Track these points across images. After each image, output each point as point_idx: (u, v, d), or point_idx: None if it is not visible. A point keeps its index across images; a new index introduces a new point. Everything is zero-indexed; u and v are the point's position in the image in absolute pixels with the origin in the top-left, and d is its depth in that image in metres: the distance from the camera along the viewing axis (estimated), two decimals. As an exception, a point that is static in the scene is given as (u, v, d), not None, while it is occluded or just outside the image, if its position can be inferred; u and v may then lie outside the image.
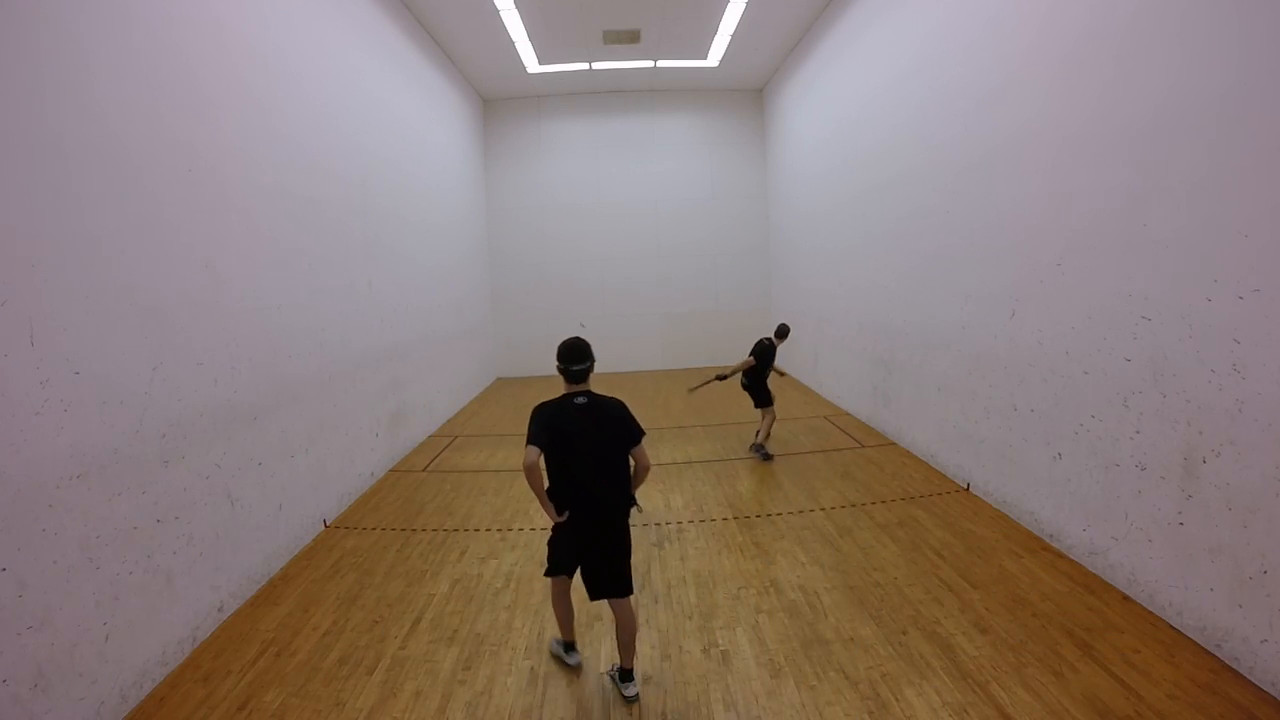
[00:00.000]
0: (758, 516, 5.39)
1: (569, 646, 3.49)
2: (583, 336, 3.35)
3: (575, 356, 3.20)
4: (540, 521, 5.40)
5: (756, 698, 3.14)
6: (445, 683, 3.35)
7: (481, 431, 8.84)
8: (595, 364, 3.31)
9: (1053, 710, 2.93)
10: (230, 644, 3.78)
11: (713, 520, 5.36)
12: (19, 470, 2.75)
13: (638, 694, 3.20)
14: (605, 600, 3.22)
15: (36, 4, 2.99)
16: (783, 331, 7.29)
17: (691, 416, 9.06)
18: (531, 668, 3.45)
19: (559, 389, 3.27)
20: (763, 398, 7.18)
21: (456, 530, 5.36)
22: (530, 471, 2.96)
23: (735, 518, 5.39)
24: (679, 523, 5.34)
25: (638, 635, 3.44)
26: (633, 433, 3.21)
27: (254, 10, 4.90)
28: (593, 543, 3.16)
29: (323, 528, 5.46)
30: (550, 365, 3.70)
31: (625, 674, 3.23)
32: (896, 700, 3.06)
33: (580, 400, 3.19)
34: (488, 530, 5.34)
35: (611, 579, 3.18)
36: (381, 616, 4.02)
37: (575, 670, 3.45)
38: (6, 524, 2.68)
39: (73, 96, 3.15)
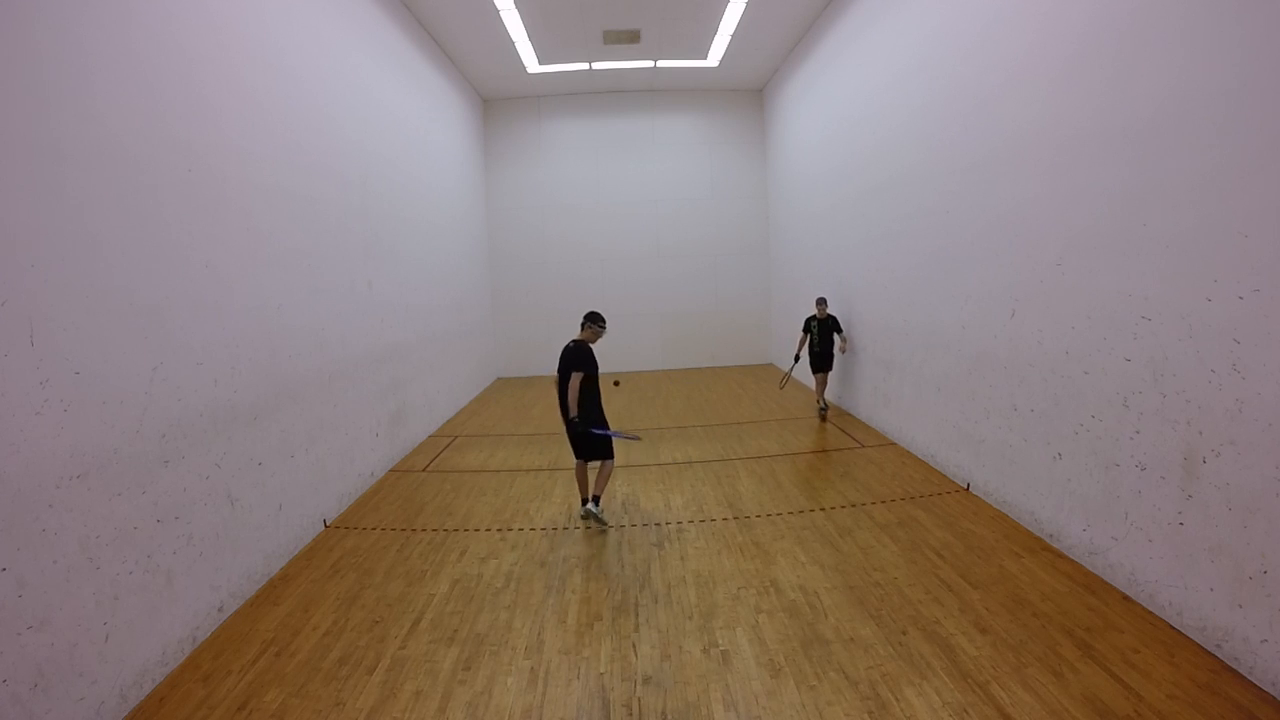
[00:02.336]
0: (758, 516, 5.39)
1: (583, 500, 5.35)
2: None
3: (586, 315, 5.52)
4: (539, 522, 5.49)
5: (756, 698, 3.14)
6: (445, 683, 3.35)
7: (481, 431, 8.84)
8: (599, 327, 5.49)
9: (1053, 710, 2.93)
10: (230, 644, 3.78)
11: (713, 520, 5.36)
12: (19, 470, 2.75)
13: (599, 512, 5.24)
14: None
15: (36, 4, 2.99)
16: (820, 300, 8.63)
17: (692, 416, 9.07)
18: (531, 668, 3.45)
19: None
20: (814, 364, 8.72)
21: (456, 530, 5.36)
22: (556, 388, 5.44)
23: (735, 518, 5.39)
24: (679, 523, 5.34)
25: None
26: (576, 367, 5.19)
27: (254, 10, 4.90)
28: (571, 429, 5.33)
29: (323, 528, 5.46)
30: (551, 365, 5.68)
31: (594, 499, 5.27)
32: (896, 700, 3.06)
33: (569, 345, 5.35)
34: (488, 530, 5.34)
35: (587, 451, 5.36)
36: (381, 616, 4.03)
37: (584, 521, 5.32)
38: (6, 524, 2.68)
39: (73, 97, 3.15)
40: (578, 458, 5.42)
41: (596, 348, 5.42)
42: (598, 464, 5.40)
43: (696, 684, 3.26)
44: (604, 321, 5.51)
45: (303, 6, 5.71)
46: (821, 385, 8.68)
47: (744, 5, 9.09)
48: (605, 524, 5.27)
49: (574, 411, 5.17)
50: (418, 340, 8.41)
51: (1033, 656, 3.32)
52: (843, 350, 8.60)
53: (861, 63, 8.06)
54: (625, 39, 10.15)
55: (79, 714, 2.93)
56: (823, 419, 8.53)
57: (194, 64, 4.13)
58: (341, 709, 3.16)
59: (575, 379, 5.14)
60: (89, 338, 3.15)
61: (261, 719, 3.12)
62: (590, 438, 5.27)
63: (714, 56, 11.15)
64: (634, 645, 3.62)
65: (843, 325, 8.59)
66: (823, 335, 8.43)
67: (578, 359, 5.19)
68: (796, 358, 8.67)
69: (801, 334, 8.63)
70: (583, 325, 5.49)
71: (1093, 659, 3.27)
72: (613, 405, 10.00)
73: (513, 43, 10.06)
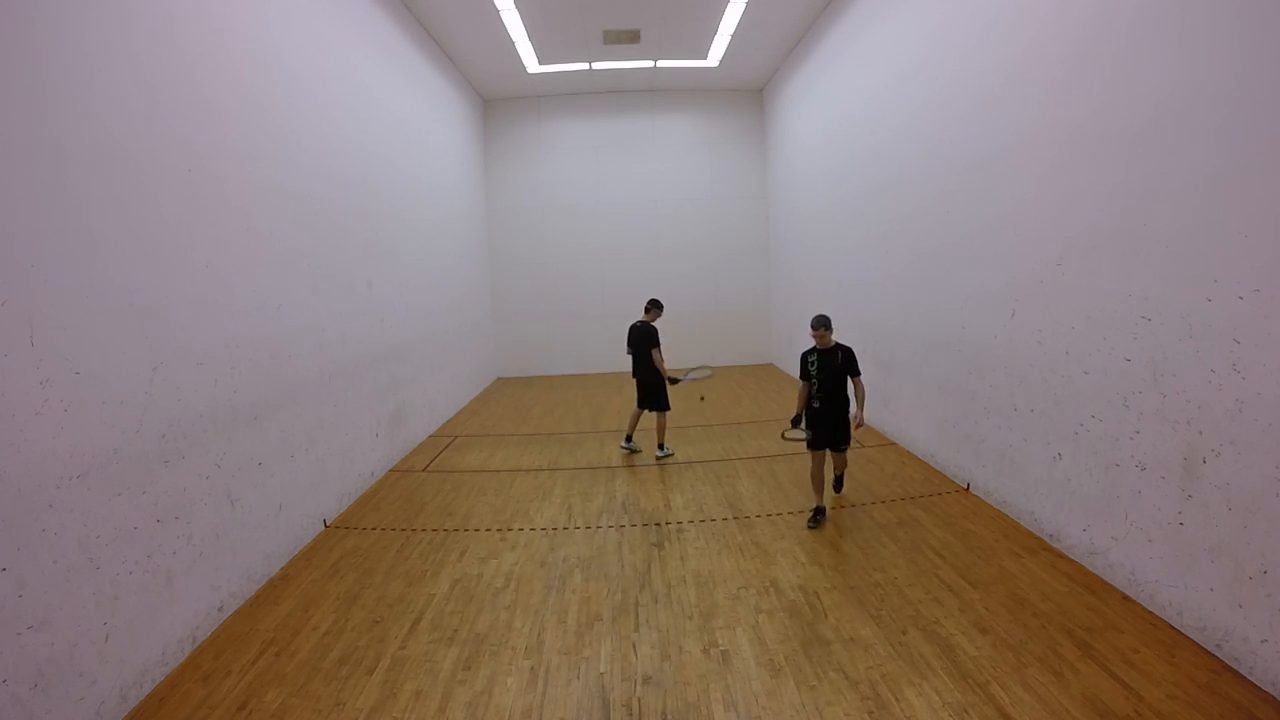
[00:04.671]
0: (758, 516, 5.39)
1: (628, 438, 7.39)
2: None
3: (650, 301, 7.25)
4: (539, 522, 5.49)
5: (756, 698, 3.14)
6: (445, 683, 3.35)
7: (481, 431, 8.84)
8: (658, 311, 7.20)
9: (1053, 710, 2.93)
10: (230, 644, 3.78)
11: (713, 520, 5.36)
12: (19, 470, 2.75)
13: (659, 457, 7.13)
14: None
15: (36, 4, 2.99)
16: (814, 323, 5.14)
17: (691, 416, 9.06)
18: (531, 668, 3.45)
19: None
20: (814, 433, 5.19)
21: (456, 530, 5.36)
22: (632, 357, 7.22)
23: (735, 518, 5.39)
24: (679, 523, 5.34)
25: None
26: (645, 342, 7.00)
27: (254, 10, 4.90)
28: (637, 386, 7.17)
29: (323, 528, 5.46)
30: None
31: (660, 446, 7.15)
32: (896, 700, 3.06)
33: (638, 324, 7.09)
34: (488, 530, 5.34)
35: (642, 401, 7.16)
36: (381, 616, 4.03)
37: (630, 455, 7.29)
38: (6, 524, 2.68)
39: (72, 97, 3.15)
40: (640, 407, 7.23)
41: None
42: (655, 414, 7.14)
43: (696, 684, 3.26)
44: (662, 305, 7.29)
45: (303, 6, 5.71)
46: (834, 471, 5.44)
47: (744, 5, 9.09)
48: (670, 454, 7.17)
49: (667, 372, 7.02)
50: (418, 340, 8.41)
51: (1033, 656, 3.32)
52: (857, 423, 5.15)
53: (861, 63, 8.05)
54: (625, 39, 10.15)
55: (79, 714, 2.93)
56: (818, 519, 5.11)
57: (194, 64, 4.12)
58: (341, 709, 3.16)
59: (656, 354, 6.99)
60: (89, 338, 3.15)
61: (261, 719, 3.12)
62: (654, 392, 7.04)
63: (714, 56, 11.15)
64: (634, 645, 3.62)
65: (859, 364, 5.23)
66: (827, 383, 5.02)
67: (648, 336, 6.99)
68: (796, 421, 5.24)
69: (801, 382, 5.27)
70: (647, 309, 7.16)
71: (1093, 659, 3.27)
72: (612, 404, 10.03)
73: (513, 43, 10.05)
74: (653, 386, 7.06)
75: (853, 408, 5.23)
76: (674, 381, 7.09)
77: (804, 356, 5.24)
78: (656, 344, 7.01)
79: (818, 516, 5.15)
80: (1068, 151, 4.29)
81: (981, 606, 3.83)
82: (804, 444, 5.23)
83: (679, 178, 13.34)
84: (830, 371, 5.07)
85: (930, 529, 4.96)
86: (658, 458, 7.11)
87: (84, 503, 3.08)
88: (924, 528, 4.99)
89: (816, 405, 5.12)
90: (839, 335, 7.92)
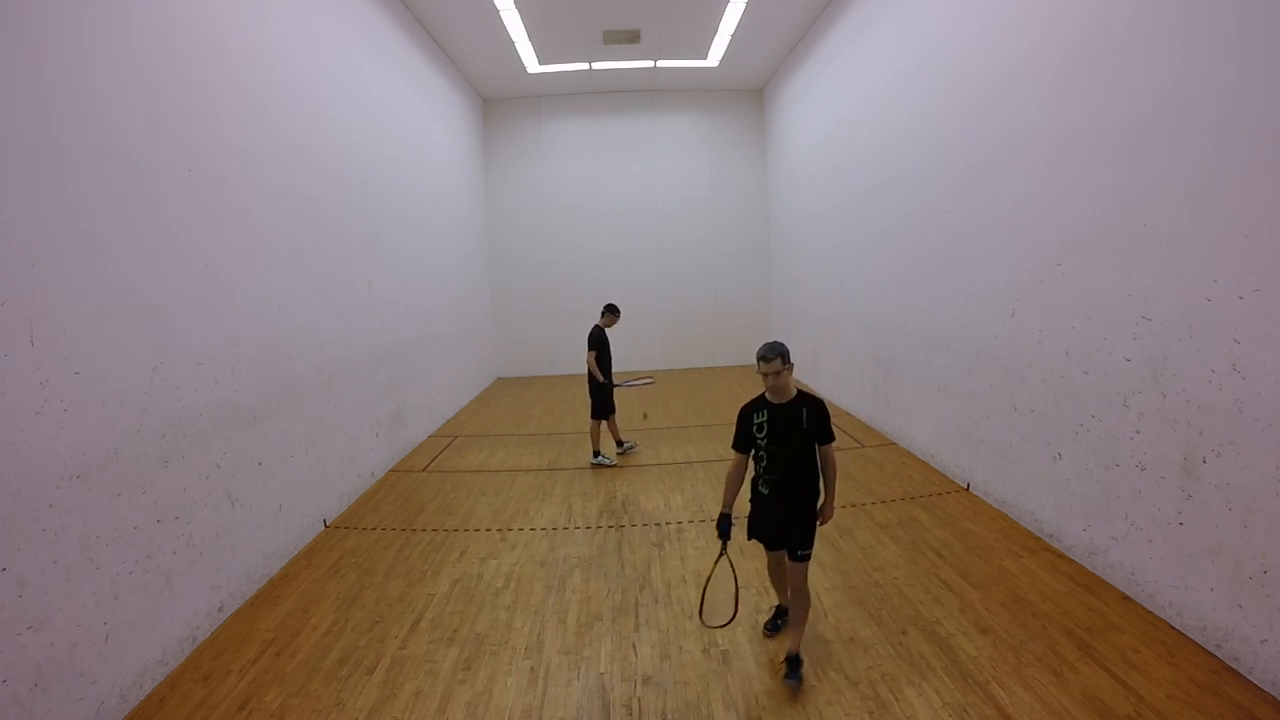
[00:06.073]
0: (758, 516, 5.39)
1: (619, 443, 7.27)
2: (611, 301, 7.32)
3: (605, 306, 7.20)
4: (539, 522, 5.49)
5: (756, 698, 3.14)
6: (445, 683, 3.35)
7: (481, 431, 8.84)
8: (613, 316, 7.12)
9: (1053, 710, 2.93)
10: (230, 644, 3.78)
11: (713, 520, 5.35)
12: (19, 470, 2.75)
13: (593, 463, 6.95)
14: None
15: (36, 4, 2.99)
16: (762, 353, 3.33)
17: (692, 416, 9.07)
18: (531, 667, 3.45)
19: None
20: (757, 522, 3.62)
21: (456, 530, 5.36)
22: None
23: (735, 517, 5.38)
24: (679, 523, 5.34)
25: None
26: (590, 347, 6.96)
27: (254, 10, 4.90)
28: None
29: (323, 528, 5.46)
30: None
31: (595, 453, 7.00)
32: (896, 700, 3.06)
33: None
34: (488, 530, 5.34)
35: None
36: (381, 616, 4.03)
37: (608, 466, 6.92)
38: (6, 524, 2.68)
39: (72, 97, 3.15)
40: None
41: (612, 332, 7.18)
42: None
43: (696, 684, 3.26)
44: (618, 310, 7.20)
45: (303, 6, 5.71)
46: (782, 603, 3.72)
47: (744, 5, 9.09)
48: (607, 462, 6.96)
49: (600, 376, 6.95)
50: (418, 340, 8.41)
51: (1033, 656, 3.32)
52: (824, 516, 3.43)
53: (861, 63, 8.06)
54: (625, 39, 10.15)
55: (79, 714, 2.93)
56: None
57: (194, 64, 4.12)
58: (341, 709, 3.16)
59: (590, 357, 6.94)
60: (89, 338, 3.15)
61: (261, 719, 3.12)
62: (597, 395, 6.97)
63: (714, 56, 11.15)
64: (634, 645, 3.62)
65: (831, 422, 3.36)
66: (781, 457, 3.32)
67: (589, 339, 6.99)
68: (724, 526, 3.47)
69: (736, 455, 3.47)
70: (602, 314, 7.15)
71: (1093, 659, 3.27)
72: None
73: (513, 43, 10.05)
74: (592, 390, 7.03)
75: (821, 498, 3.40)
76: (614, 386, 7.08)
77: (745, 414, 3.37)
78: (592, 348, 6.94)
79: (778, 620, 3.66)
80: (1067, 151, 4.29)
81: (981, 606, 3.83)
82: (721, 550, 3.43)
83: (679, 178, 13.35)
84: (789, 440, 3.24)
85: (930, 529, 4.96)
86: (591, 464, 6.95)
87: (84, 503, 3.08)
88: (924, 528, 4.99)
89: (765, 492, 3.38)
90: (838, 339, 7.85)
